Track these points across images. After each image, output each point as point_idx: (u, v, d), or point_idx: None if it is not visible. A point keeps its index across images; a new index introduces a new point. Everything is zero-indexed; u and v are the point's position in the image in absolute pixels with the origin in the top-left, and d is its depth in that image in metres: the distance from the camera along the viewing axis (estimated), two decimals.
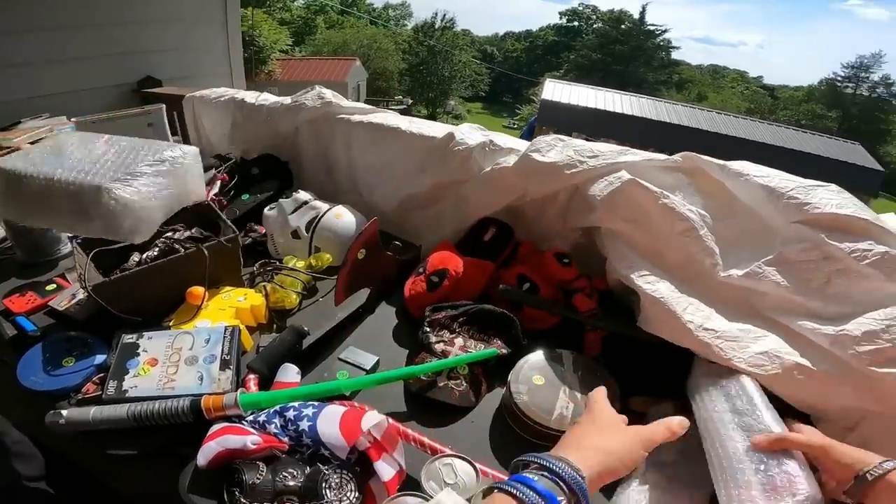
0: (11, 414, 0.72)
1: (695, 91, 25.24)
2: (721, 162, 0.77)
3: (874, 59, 22.31)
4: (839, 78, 23.30)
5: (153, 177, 0.81)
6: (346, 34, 22.07)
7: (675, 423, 0.49)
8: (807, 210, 0.66)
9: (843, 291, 0.63)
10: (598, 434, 0.47)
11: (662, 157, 0.84)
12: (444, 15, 23.55)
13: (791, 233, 0.67)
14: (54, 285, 0.87)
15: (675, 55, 27.93)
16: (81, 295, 0.81)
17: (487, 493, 0.40)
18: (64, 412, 0.59)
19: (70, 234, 1.04)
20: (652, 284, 0.70)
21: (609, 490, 0.58)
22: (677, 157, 0.83)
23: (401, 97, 20.85)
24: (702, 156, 0.80)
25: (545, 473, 0.40)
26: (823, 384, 0.59)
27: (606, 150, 0.84)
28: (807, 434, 0.52)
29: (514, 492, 0.38)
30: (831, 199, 0.66)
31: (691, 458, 0.60)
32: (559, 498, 0.38)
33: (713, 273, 0.69)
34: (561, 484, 0.39)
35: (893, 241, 0.62)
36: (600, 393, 0.53)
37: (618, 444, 0.46)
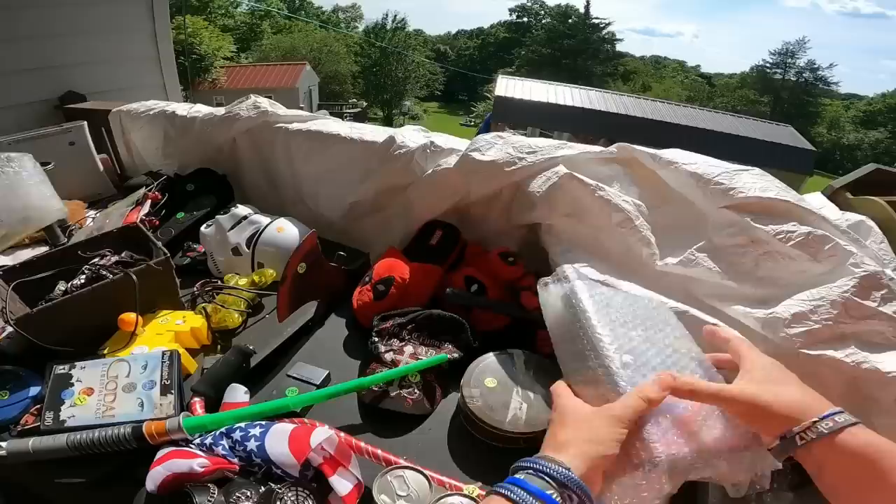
0: None
1: (639, 82, 26.32)
2: (653, 151, 0.79)
3: (798, 45, 23.99)
4: (768, 64, 24.92)
5: None
6: (294, 38, 21.59)
7: (648, 387, 0.45)
8: (732, 195, 0.68)
9: (770, 274, 0.64)
10: (570, 427, 0.46)
11: (598, 148, 0.85)
12: (395, 16, 23.48)
13: (719, 218, 0.69)
14: None
15: (619, 47, 29.04)
16: (8, 329, 0.76)
17: (487, 496, 0.41)
18: (3, 444, 0.57)
19: None
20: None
21: None
22: (613, 148, 0.85)
23: (355, 100, 20.62)
24: (635, 146, 0.82)
25: (534, 473, 0.40)
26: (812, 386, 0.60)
27: (545, 146, 0.85)
28: (725, 389, 0.45)
29: (507, 493, 0.39)
30: (755, 182, 0.69)
31: None
32: (550, 493, 0.38)
33: (651, 263, 0.71)
34: (551, 482, 0.39)
35: (817, 221, 0.64)
36: (560, 387, 0.52)
37: (592, 432, 0.44)
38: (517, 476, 0.41)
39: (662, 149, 0.80)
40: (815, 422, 0.39)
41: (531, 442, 0.61)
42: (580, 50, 25.68)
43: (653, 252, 0.72)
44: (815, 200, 0.83)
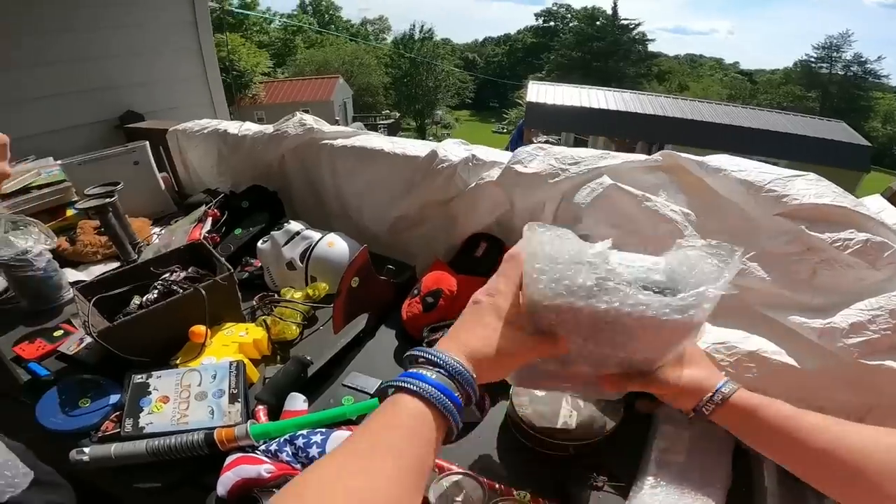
0: (36, 452, 0.74)
1: (675, 82, 25.56)
2: (699, 158, 0.78)
3: (843, 39, 22.80)
4: (812, 59, 23.82)
5: None
6: (326, 52, 22.24)
7: (508, 254, 0.49)
8: (786, 202, 0.66)
9: (828, 283, 0.62)
10: (460, 321, 0.45)
11: (643, 157, 0.85)
12: (423, 26, 23.81)
13: (773, 226, 0.68)
14: (61, 331, 0.90)
15: (651, 47, 28.36)
16: (89, 339, 0.83)
17: (381, 395, 0.40)
18: (87, 450, 0.62)
19: (71, 281, 1.05)
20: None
21: (622, 491, 0.59)
22: (657, 156, 0.84)
23: (388, 111, 20.96)
24: (680, 154, 0.81)
25: (435, 368, 0.39)
26: (813, 382, 0.59)
27: (587, 156, 0.85)
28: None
29: (411, 387, 0.37)
30: (809, 188, 0.67)
31: (701, 454, 0.61)
32: (455, 393, 0.38)
33: None
34: (451, 380, 0.38)
35: (875, 227, 0.62)
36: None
37: (472, 324, 0.44)
38: (418, 371, 0.39)
39: (706, 150, 0.79)
40: (710, 396, 0.48)
41: (580, 449, 0.61)
42: (610, 52, 25.25)
43: None
44: (874, 204, 0.79)
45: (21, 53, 1.63)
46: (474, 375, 0.40)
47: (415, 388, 0.37)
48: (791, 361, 0.60)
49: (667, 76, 26.80)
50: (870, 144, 10.35)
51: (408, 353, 0.42)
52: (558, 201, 0.87)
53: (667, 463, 0.60)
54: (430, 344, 0.76)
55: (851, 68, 22.64)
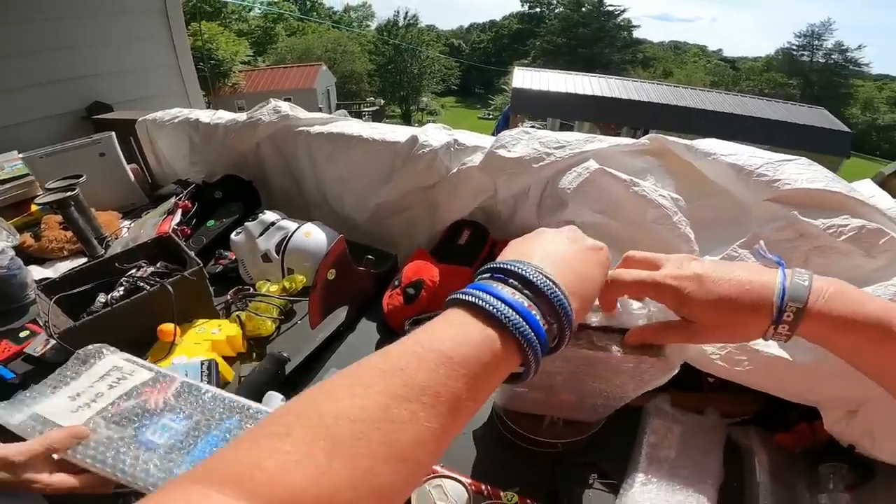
0: None
1: (660, 68, 25.72)
2: (688, 142, 0.76)
3: (824, 27, 23.26)
4: (794, 47, 24.23)
5: None
6: (308, 40, 21.80)
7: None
8: (777, 187, 0.64)
9: (821, 271, 0.58)
10: (548, 240, 0.36)
11: (630, 140, 0.82)
12: (407, 12, 23.44)
13: (764, 212, 0.65)
14: (28, 331, 0.85)
15: (636, 34, 28.43)
16: (51, 343, 0.78)
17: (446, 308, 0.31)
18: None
19: (36, 279, 1.00)
20: None
21: (613, 488, 0.57)
22: (644, 139, 0.81)
23: (372, 98, 20.71)
24: (668, 137, 0.79)
25: (511, 281, 0.31)
26: (806, 375, 0.57)
27: (573, 140, 0.82)
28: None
29: (484, 305, 0.29)
30: (801, 173, 0.64)
31: (692, 449, 0.59)
32: (541, 322, 0.30)
33: None
34: (535, 299, 0.30)
35: (870, 213, 0.60)
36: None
37: (576, 257, 0.35)
38: (486, 283, 0.31)
39: (690, 135, 0.77)
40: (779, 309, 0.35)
41: (569, 446, 0.59)
42: (596, 38, 25.22)
43: (693, 249, 0.69)
44: (866, 189, 0.77)
45: None
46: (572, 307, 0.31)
47: (483, 304, 0.29)
48: (783, 354, 0.58)
49: (651, 62, 26.90)
50: (850, 131, 10.54)
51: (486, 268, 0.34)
52: (543, 186, 0.84)
53: (657, 459, 0.58)
54: None
55: (832, 56, 23.11)
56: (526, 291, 0.30)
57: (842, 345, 0.36)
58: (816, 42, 23.39)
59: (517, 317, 0.28)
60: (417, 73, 22.49)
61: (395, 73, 22.17)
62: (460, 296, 0.30)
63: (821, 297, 0.34)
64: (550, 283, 0.30)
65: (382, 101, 20.57)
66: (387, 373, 0.26)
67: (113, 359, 0.55)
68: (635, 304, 0.45)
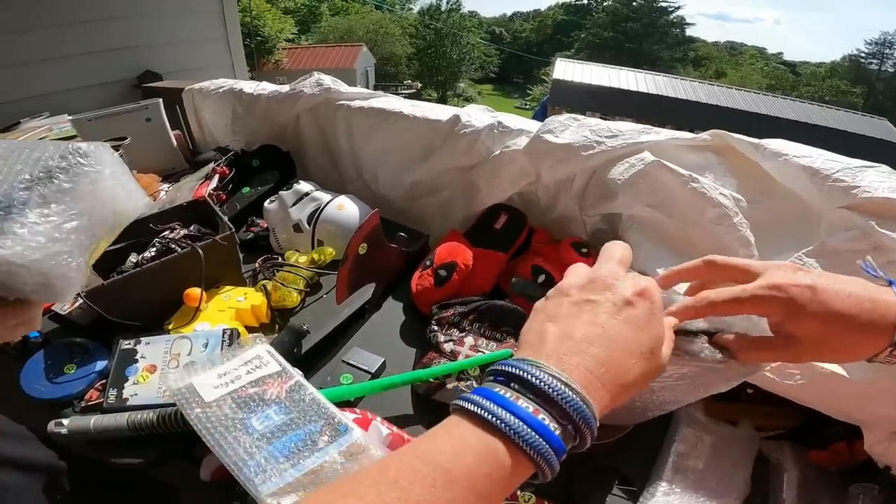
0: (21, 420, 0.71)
1: (712, 68, 24.59)
2: (755, 140, 0.70)
3: None
4: (863, 54, 22.68)
5: (42, 206, 0.41)
6: (351, 20, 21.84)
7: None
8: (854, 194, 0.58)
9: None
10: (579, 311, 0.31)
11: (688, 135, 0.77)
12: None
13: (836, 219, 0.60)
14: None
15: (689, 32, 27.13)
16: (79, 301, 0.79)
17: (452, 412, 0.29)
18: (65, 421, 0.57)
19: None
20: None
21: (633, 496, 0.54)
22: (705, 135, 0.76)
23: (409, 81, 20.70)
24: (733, 134, 0.73)
25: (524, 391, 0.27)
26: (860, 393, 0.53)
27: (626, 130, 0.77)
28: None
29: (482, 413, 0.26)
30: (882, 181, 0.58)
31: (721, 461, 0.56)
32: (551, 426, 0.26)
33: None
34: (549, 410, 0.27)
35: None
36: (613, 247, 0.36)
37: (623, 332, 0.30)
38: (495, 390, 0.28)
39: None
40: None
41: (593, 449, 0.55)
42: (645, 34, 24.30)
43: (751, 253, 0.64)
44: None
45: (43, 14, 1.60)
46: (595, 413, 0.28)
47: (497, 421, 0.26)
48: (839, 370, 0.54)
49: (703, 62, 25.74)
50: None
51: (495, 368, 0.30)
52: (589, 176, 0.80)
53: (684, 469, 0.55)
54: (440, 322, 0.70)
55: None
56: (530, 396, 0.27)
57: None
58: (887, 51, 21.91)
59: (522, 425, 0.26)
60: (456, 59, 22.29)
61: (434, 57, 22.04)
62: (461, 402, 0.28)
63: None
64: (561, 387, 0.27)
65: (419, 85, 20.53)
66: (381, 484, 0.24)
67: (259, 349, 0.60)
68: None
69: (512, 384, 0.28)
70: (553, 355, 0.29)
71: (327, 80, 1.14)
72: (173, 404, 0.57)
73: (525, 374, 0.27)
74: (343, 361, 0.69)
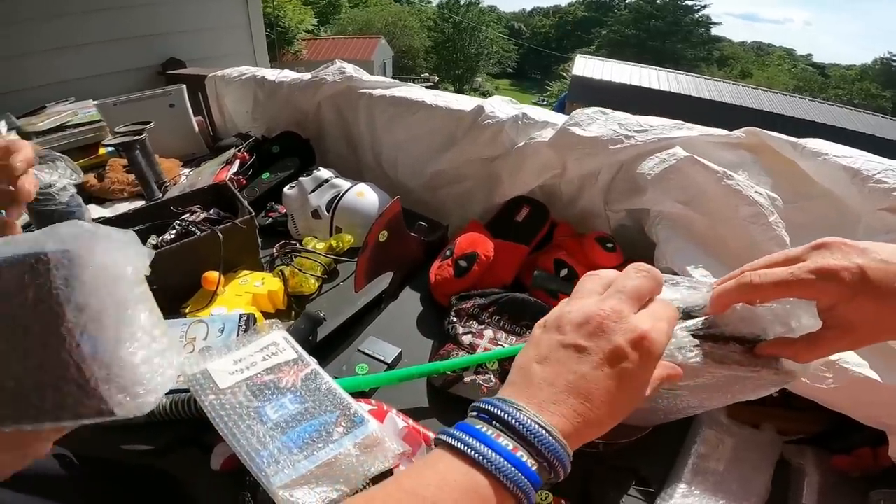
0: None
1: (738, 68, 24.04)
2: (793, 139, 0.67)
3: None
4: (895, 58, 21.91)
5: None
6: (370, 13, 21.88)
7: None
8: None
9: None
10: (566, 358, 0.31)
11: (722, 132, 0.74)
12: None
13: (876, 221, 0.58)
14: None
15: (715, 31, 26.53)
16: None
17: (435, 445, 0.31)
18: None
19: (94, 217, 1.03)
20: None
21: (650, 497, 0.53)
22: (740, 132, 0.73)
23: (427, 74, 20.69)
24: (769, 132, 0.70)
25: (504, 430, 0.29)
26: (890, 398, 0.51)
27: (657, 124, 0.75)
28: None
29: (465, 449, 0.28)
30: None
31: (742, 464, 0.55)
32: (528, 462, 0.28)
33: None
34: (528, 448, 0.28)
35: None
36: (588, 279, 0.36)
37: (589, 374, 0.30)
38: (478, 427, 0.29)
39: None
40: None
41: (612, 448, 0.55)
42: (669, 32, 23.85)
43: None
44: None
45: (64, 2, 1.63)
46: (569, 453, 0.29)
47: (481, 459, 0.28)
48: (873, 375, 0.52)
49: (729, 62, 25.19)
50: None
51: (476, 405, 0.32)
52: (616, 170, 0.78)
53: (704, 471, 0.54)
54: (459, 314, 0.69)
55: None
56: (511, 434, 0.29)
57: None
58: None
59: (503, 462, 0.27)
60: (474, 53, 22.21)
61: (451, 50, 21.99)
62: (445, 437, 0.30)
63: None
64: (538, 429, 0.28)
65: (436, 78, 20.49)
66: None
67: (276, 335, 0.59)
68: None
69: (494, 423, 0.29)
70: (533, 398, 0.30)
71: (349, 68, 1.14)
72: (187, 390, 0.57)
73: (506, 415, 0.29)
74: (359, 351, 0.68)
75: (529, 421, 0.28)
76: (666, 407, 0.46)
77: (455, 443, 0.29)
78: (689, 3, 24.50)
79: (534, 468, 0.28)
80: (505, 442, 0.28)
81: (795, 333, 0.36)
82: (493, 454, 0.27)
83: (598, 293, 0.33)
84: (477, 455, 0.27)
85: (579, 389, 0.30)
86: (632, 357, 0.30)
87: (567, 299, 0.35)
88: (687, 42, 24.35)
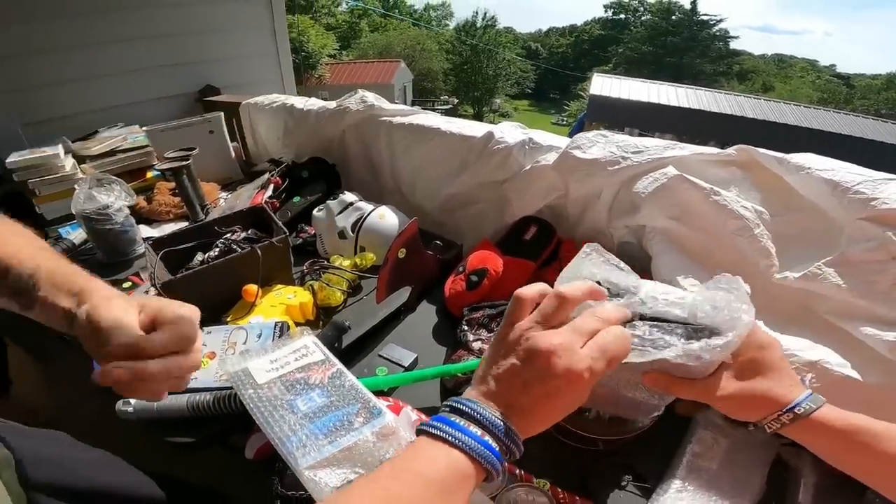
0: (88, 405, 0.79)
1: (759, 82, 23.63)
2: (780, 155, 0.72)
3: None
4: None
5: None
6: (389, 37, 22.49)
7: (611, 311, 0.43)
8: (874, 206, 0.60)
9: None
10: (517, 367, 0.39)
11: (714, 150, 0.80)
12: (486, 13, 23.48)
13: (856, 231, 0.62)
14: (130, 283, 0.97)
15: (733, 45, 26.26)
16: (153, 292, 0.89)
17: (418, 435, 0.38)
18: (132, 401, 0.65)
19: (144, 237, 1.14)
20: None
21: (646, 492, 0.56)
22: (731, 150, 0.78)
23: (446, 97, 20.98)
24: (758, 149, 0.75)
25: (472, 421, 0.37)
26: (875, 397, 0.54)
27: (652, 146, 0.81)
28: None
29: (445, 436, 0.36)
30: None
31: (734, 465, 0.58)
32: (493, 445, 0.36)
33: (768, 274, 0.65)
34: (490, 434, 0.37)
35: None
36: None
37: (531, 376, 0.38)
38: (453, 419, 0.38)
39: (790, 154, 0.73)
40: (778, 414, 0.44)
41: (610, 444, 0.59)
42: (686, 48, 23.75)
43: (771, 264, 0.66)
44: None
45: (111, 31, 1.76)
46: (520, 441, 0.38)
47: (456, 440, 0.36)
48: (854, 375, 0.56)
49: (749, 75, 24.84)
50: None
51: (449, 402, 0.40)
52: (616, 190, 0.84)
53: (697, 468, 0.57)
54: (470, 323, 0.75)
55: None
56: (477, 424, 0.37)
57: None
58: None
59: (475, 444, 0.36)
60: (492, 75, 22.48)
61: (470, 73, 22.30)
62: (427, 428, 0.38)
63: None
64: (497, 421, 0.37)
65: (456, 101, 20.81)
66: (371, 487, 0.35)
67: (306, 339, 0.66)
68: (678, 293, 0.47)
69: (464, 415, 0.38)
70: (492, 397, 0.39)
71: (371, 97, 1.23)
72: (228, 388, 0.65)
73: (473, 411, 0.38)
74: (379, 356, 0.75)
75: (491, 415, 0.37)
76: (635, 393, 0.50)
77: (437, 432, 0.37)
78: (705, 17, 24.44)
79: (497, 448, 0.36)
80: (475, 430, 0.37)
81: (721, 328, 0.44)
82: (468, 438, 0.36)
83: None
84: (454, 440, 0.36)
85: (525, 394, 0.38)
86: (555, 367, 0.38)
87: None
88: (705, 57, 24.20)
